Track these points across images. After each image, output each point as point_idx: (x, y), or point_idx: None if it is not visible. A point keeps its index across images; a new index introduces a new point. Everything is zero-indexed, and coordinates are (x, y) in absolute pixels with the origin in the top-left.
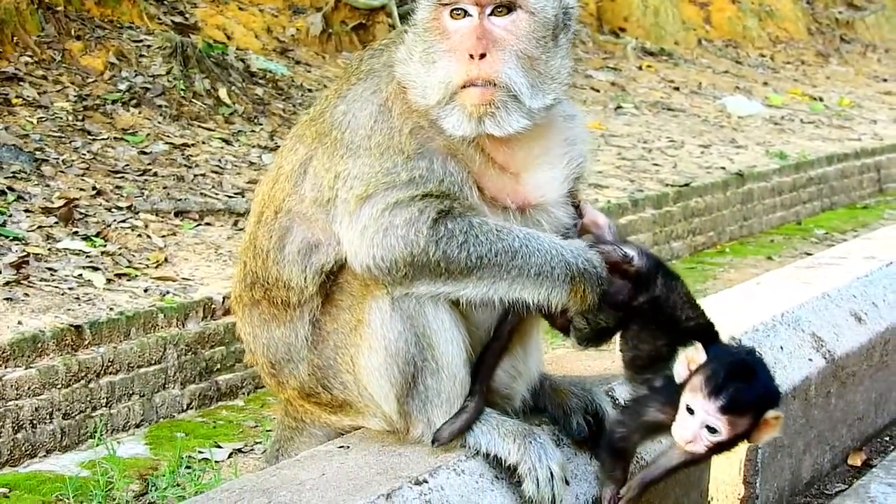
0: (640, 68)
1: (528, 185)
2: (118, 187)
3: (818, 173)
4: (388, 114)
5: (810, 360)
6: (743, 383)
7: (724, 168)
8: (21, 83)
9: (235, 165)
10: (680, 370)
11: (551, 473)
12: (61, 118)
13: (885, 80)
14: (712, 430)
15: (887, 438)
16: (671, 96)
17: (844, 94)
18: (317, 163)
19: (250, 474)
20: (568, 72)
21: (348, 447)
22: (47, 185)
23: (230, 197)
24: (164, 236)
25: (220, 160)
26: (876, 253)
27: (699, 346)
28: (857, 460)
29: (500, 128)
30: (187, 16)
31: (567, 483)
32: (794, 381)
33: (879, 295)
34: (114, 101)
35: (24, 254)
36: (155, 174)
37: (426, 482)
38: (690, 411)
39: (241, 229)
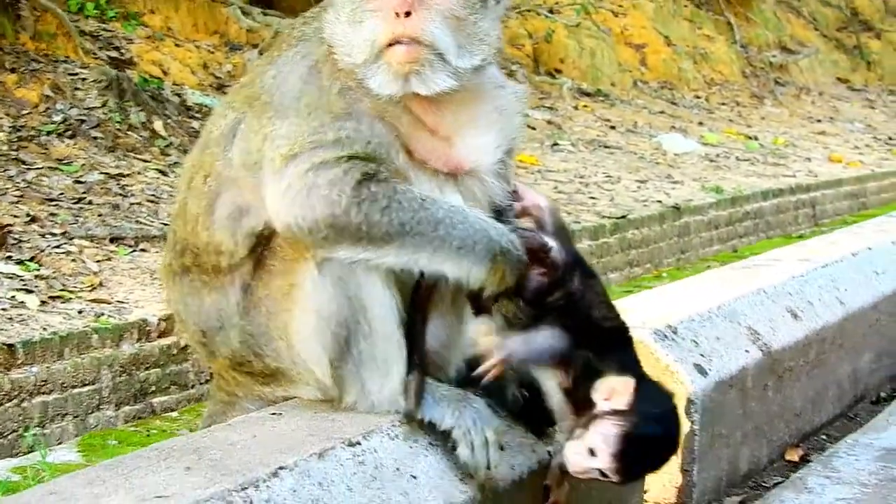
0: (576, 108)
1: (458, 149)
2: (53, 214)
3: (754, 208)
4: (318, 75)
5: (747, 351)
6: (650, 451)
7: (660, 201)
8: None
9: (171, 195)
10: (599, 395)
11: (486, 439)
12: None
13: (818, 121)
14: (604, 474)
15: (824, 437)
16: (607, 134)
17: (779, 133)
18: (245, 126)
19: (181, 436)
20: (497, 36)
21: (280, 414)
22: None
23: (165, 224)
24: (98, 261)
25: (155, 190)
26: (810, 256)
27: (629, 382)
28: (794, 456)
29: (426, 86)
30: (123, 51)
31: (502, 449)
32: (731, 371)
33: (815, 294)
34: (49, 133)
35: None
36: (90, 202)
37: (359, 444)
38: (592, 453)
39: None
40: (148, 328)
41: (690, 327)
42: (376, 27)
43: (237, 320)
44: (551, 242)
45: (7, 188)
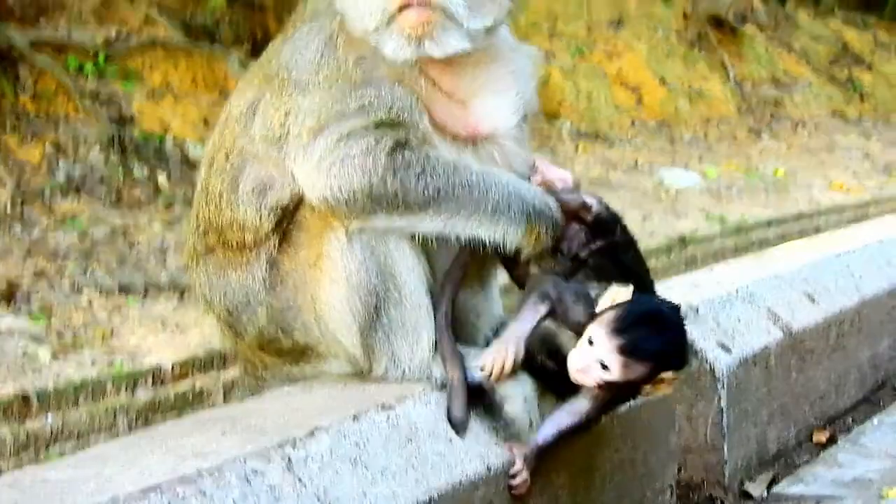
0: (576, 149)
1: (476, 112)
2: (60, 268)
3: (759, 236)
4: (334, 48)
5: (768, 331)
6: (649, 331)
7: (665, 234)
8: None
9: (178, 246)
10: (603, 302)
11: (526, 397)
12: None
13: (817, 153)
14: (605, 367)
15: (851, 420)
16: (609, 173)
17: (778, 165)
18: (265, 103)
19: (214, 408)
20: None
21: (311, 387)
22: None
23: (174, 274)
24: (109, 311)
25: (162, 242)
26: (822, 247)
27: (630, 287)
28: (821, 437)
29: (440, 48)
30: (123, 108)
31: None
32: (753, 349)
33: (830, 280)
34: (52, 191)
35: None
36: (97, 256)
37: (393, 408)
38: (591, 343)
39: (187, 302)
40: (162, 374)
41: (711, 308)
42: None
43: (264, 296)
44: (590, 200)
45: (13, 246)
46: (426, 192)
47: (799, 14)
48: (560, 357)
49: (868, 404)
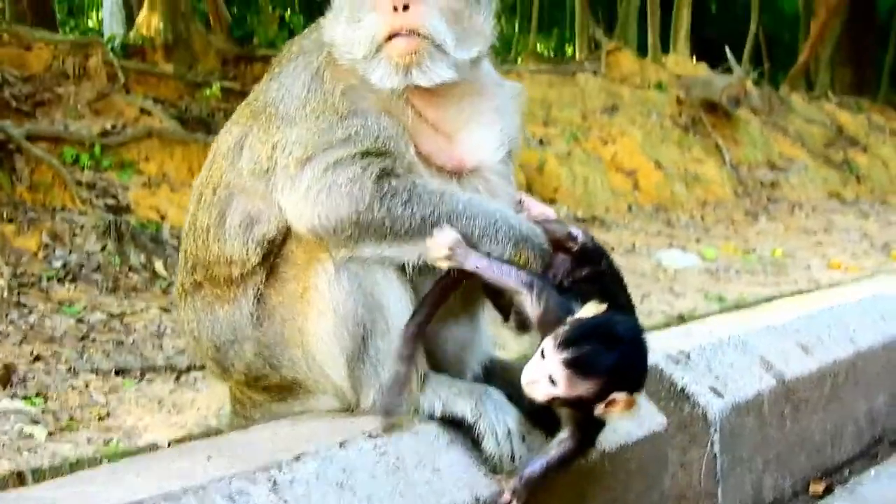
0: None
1: (461, 145)
2: (56, 352)
3: None
4: (321, 81)
5: (761, 378)
6: (598, 347)
7: (664, 311)
8: None
9: (174, 330)
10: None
11: (508, 430)
12: None
13: (814, 233)
14: (553, 381)
15: (847, 472)
16: None
17: (776, 245)
18: (252, 138)
19: (200, 439)
20: (491, 29)
21: (298, 420)
22: None
23: (170, 357)
24: (105, 393)
25: (158, 326)
26: (815, 301)
27: (605, 305)
28: (818, 488)
29: (427, 77)
30: (120, 198)
31: (523, 440)
32: (746, 395)
33: (824, 331)
34: (49, 278)
35: None
36: (94, 340)
37: (380, 437)
38: (542, 356)
39: (183, 383)
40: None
41: (703, 354)
42: (376, 21)
43: (251, 331)
44: (576, 231)
45: (10, 331)
46: (413, 220)
47: (793, 98)
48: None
49: (865, 458)
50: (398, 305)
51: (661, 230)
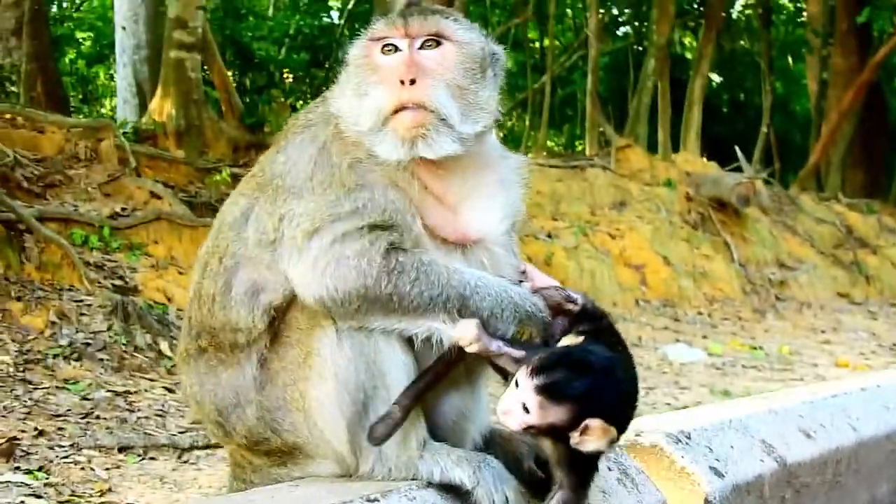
0: None
1: (466, 218)
2: (60, 428)
3: None
4: (328, 155)
5: (761, 461)
6: (569, 374)
7: (668, 404)
8: None
9: (179, 409)
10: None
11: (506, 498)
12: (2, 370)
13: (822, 332)
14: (527, 409)
15: None
16: None
17: (784, 343)
18: (259, 209)
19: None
20: (496, 105)
21: (297, 484)
22: None
23: (174, 435)
24: (107, 469)
25: (163, 405)
26: (818, 389)
27: (581, 338)
28: None
29: (432, 150)
30: (127, 280)
31: None
32: (747, 477)
33: (826, 419)
34: (55, 356)
35: None
36: (97, 417)
37: (377, 501)
38: (517, 385)
39: (185, 461)
40: None
41: (704, 435)
42: (383, 95)
43: (253, 395)
44: (575, 294)
45: (14, 406)
46: (421, 299)
47: (803, 198)
48: (548, 466)
49: None
50: (400, 373)
51: (668, 325)
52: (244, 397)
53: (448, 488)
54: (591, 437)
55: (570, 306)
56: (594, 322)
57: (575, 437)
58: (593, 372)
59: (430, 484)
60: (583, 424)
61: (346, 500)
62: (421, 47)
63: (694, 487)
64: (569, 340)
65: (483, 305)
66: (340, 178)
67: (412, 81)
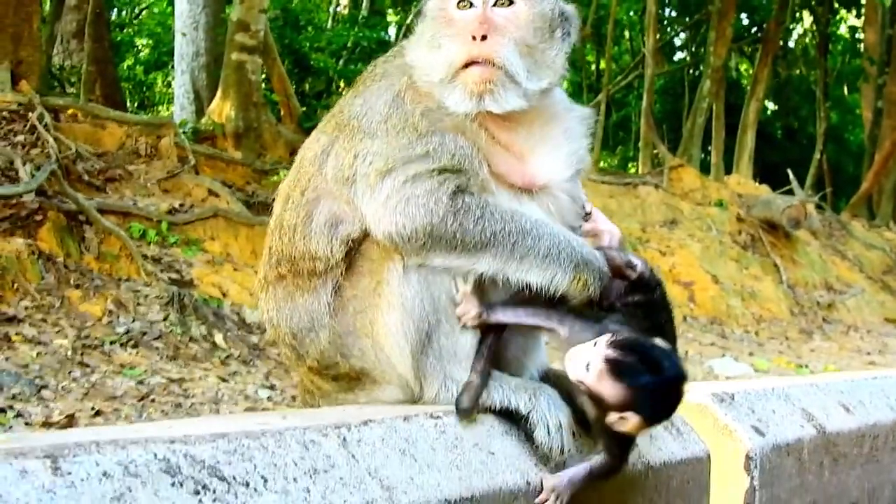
0: None
1: (531, 165)
2: (117, 409)
3: None
4: (402, 101)
5: (801, 426)
6: (639, 364)
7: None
8: (21, 323)
9: (232, 398)
10: None
11: (560, 423)
12: (60, 353)
13: (868, 353)
14: (588, 369)
15: None
16: None
17: (829, 363)
18: (338, 146)
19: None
20: (563, 63)
21: (362, 407)
22: (47, 406)
23: None
24: None
25: (216, 393)
26: (859, 372)
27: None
28: None
29: (498, 104)
30: (184, 274)
31: (574, 436)
32: (787, 438)
33: (865, 396)
34: (112, 343)
35: None
36: (153, 400)
37: (440, 417)
38: (595, 344)
39: None
40: None
41: (747, 398)
42: (455, 49)
43: (327, 320)
44: (636, 259)
45: (72, 387)
46: (483, 236)
47: (853, 224)
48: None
49: None
50: None
51: (715, 342)
52: (318, 322)
53: (507, 413)
54: (626, 426)
55: (629, 272)
56: (648, 292)
57: (612, 417)
58: (660, 376)
59: (490, 409)
60: (624, 413)
61: (412, 413)
62: (494, 4)
63: (736, 444)
64: (659, 341)
65: (542, 244)
66: (413, 124)
67: (483, 37)
